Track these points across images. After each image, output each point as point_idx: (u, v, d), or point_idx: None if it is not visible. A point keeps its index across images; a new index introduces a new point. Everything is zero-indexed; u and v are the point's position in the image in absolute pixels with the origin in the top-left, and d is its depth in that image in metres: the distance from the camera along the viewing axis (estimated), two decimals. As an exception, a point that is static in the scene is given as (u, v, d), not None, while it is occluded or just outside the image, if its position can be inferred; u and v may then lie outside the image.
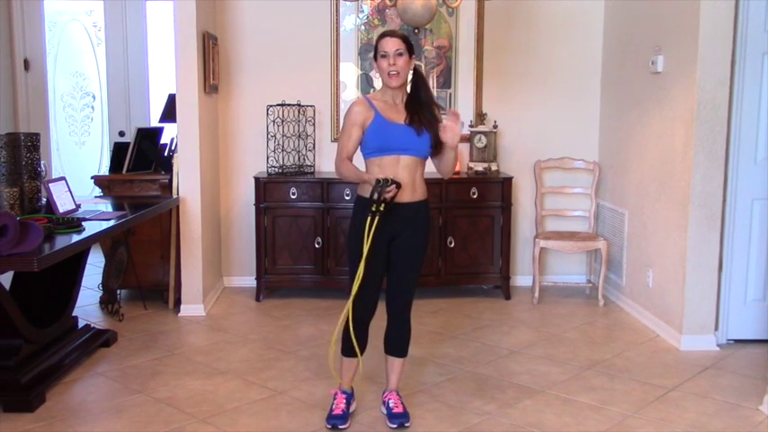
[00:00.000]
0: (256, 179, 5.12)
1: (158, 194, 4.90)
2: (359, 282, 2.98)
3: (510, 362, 4.03)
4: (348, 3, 5.29)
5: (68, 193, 3.93)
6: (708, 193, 4.13)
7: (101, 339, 4.16)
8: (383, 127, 3.06)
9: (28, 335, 3.53)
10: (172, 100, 5.25)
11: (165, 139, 5.39)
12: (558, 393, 3.59)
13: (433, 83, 5.39)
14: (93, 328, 4.29)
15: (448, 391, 3.61)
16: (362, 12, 5.43)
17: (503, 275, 5.27)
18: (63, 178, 4.00)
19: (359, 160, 3.14)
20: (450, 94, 5.51)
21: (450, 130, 3.02)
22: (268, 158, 5.23)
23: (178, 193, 4.77)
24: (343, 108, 5.38)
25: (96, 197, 4.93)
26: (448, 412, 3.36)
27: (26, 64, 5.38)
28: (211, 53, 4.98)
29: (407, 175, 3.07)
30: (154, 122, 6.58)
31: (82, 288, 4.30)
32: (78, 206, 3.99)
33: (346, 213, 4.83)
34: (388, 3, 4.19)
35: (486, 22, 5.45)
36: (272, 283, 5.26)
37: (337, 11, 5.39)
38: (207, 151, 4.98)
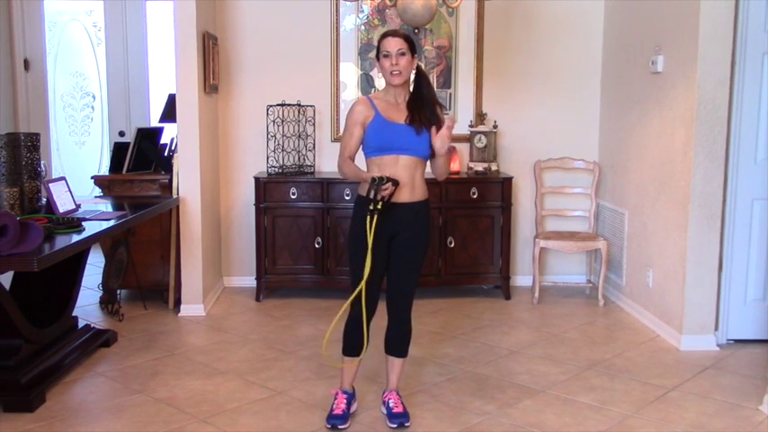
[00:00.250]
0: (256, 179, 5.12)
1: (158, 194, 4.90)
2: (365, 278, 2.99)
3: (510, 362, 4.03)
4: (348, 3, 5.29)
5: (68, 193, 3.93)
6: (708, 193, 4.13)
7: (101, 339, 4.16)
8: (383, 127, 3.07)
9: (28, 335, 3.53)
10: (172, 100, 5.26)
11: (165, 139, 5.39)
12: (558, 393, 3.59)
13: (433, 83, 5.37)
14: (93, 328, 4.29)
15: (448, 391, 3.61)
16: (362, 12, 5.42)
17: (503, 275, 5.27)
18: (63, 178, 4.00)
19: (361, 160, 3.15)
20: (450, 94, 5.51)
21: (440, 138, 3.02)
22: (268, 158, 5.23)
23: (178, 193, 4.77)
24: (343, 108, 5.39)
25: (96, 197, 4.93)
26: (448, 412, 3.36)
27: (26, 64, 5.38)
28: (211, 53, 4.98)
29: (406, 174, 3.07)
30: (154, 122, 6.58)
31: (82, 288, 4.29)
32: (78, 206, 3.99)
33: (346, 213, 4.83)
34: (388, 3, 4.19)
35: (486, 22, 5.45)
36: (272, 283, 5.26)
37: (337, 11, 5.39)
38: (207, 151, 4.98)
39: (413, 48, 3.09)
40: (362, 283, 3.01)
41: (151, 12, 6.88)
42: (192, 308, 4.83)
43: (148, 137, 5.20)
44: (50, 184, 3.80)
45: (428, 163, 3.19)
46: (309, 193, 5.13)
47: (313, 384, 3.67)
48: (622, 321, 4.79)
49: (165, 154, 5.23)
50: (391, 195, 2.98)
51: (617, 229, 5.20)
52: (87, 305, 4.97)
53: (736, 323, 4.26)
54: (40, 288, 3.93)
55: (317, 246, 5.15)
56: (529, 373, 3.85)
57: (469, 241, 5.21)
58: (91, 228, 3.54)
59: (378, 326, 3.26)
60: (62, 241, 3.27)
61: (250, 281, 5.42)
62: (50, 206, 3.75)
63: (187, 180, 4.76)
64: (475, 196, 5.18)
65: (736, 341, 4.28)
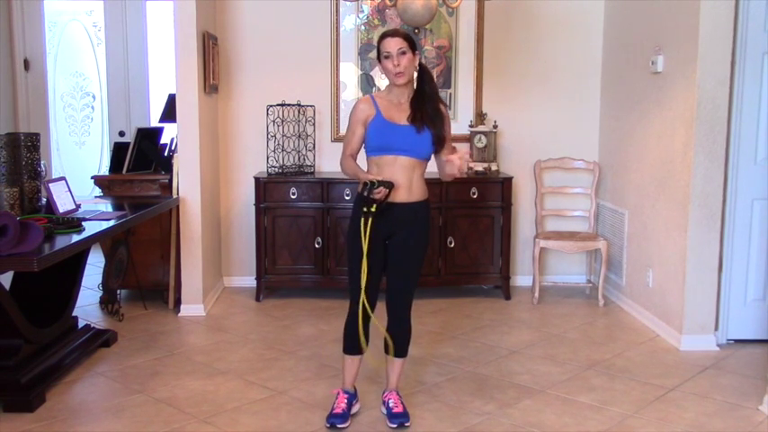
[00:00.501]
0: (256, 179, 5.12)
1: (158, 194, 4.90)
2: (364, 278, 3.01)
3: (510, 362, 4.03)
4: (348, 3, 5.29)
5: (68, 193, 3.93)
6: (708, 193, 4.13)
7: (101, 339, 4.16)
8: (383, 126, 3.08)
9: (28, 335, 3.53)
10: (172, 100, 5.25)
11: (165, 139, 5.39)
12: (558, 393, 3.59)
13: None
14: (93, 328, 4.29)
15: (448, 391, 3.61)
16: (362, 12, 5.42)
17: (503, 275, 5.27)
18: (63, 178, 4.00)
19: (362, 160, 3.15)
20: (450, 94, 5.51)
21: (451, 165, 2.99)
22: (268, 158, 5.23)
23: (178, 193, 4.77)
24: (343, 108, 5.39)
25: (96, 197, 4.93)
26: (448, 412, 3.36)
27: (26, 64, 5.38)
28: (211, 53, 4.98)
29: (404, 175, 3.07)
30: (154, 122, 6.58)
31: (82, 288, 4.30)
32: (78, 206, 3.99)
33: (346, 213, 4.82)
34: (388, 3, 4.20)
35: (486, 22, 5.45)
36: (272, 283, 5.26)
37: (337, 11, 5.39)
38: (207, 151, 4.98)
39: (413, 45, 3.09)
40: (363, 281, 3.03)
41: (151, 12, 6.88)
42: (191, 308, 4.82)
43: (148, 137, 5.20)
44: (50, 184, 3.80)
45: (433, 163, 3.19)
46: (309, 193, 5.13)
47: (313, 384, 3.67)
48: (622, 321, 4.79)
49: (165, 154, 5.23)
50: (387, 198, 2.98)
51: (617, 229, 5.20)
52: (87, 305, 4.97)
53: (736, 323, 4.26)
54: (40, 288, 3.93)
55: (316, 246, 5.15)
56: (529, 373, 3.85)
57: (469, 241, 5.21)
58: (91, 228, 3.54)
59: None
60: (62, 241, 3.28)
61: (250, 281, 5.41)
62: (50, 206, 3.75)
63: (187, 180, 4.76)
64: (475, 196, 5.18)
65: (736, 341, 4.28)
